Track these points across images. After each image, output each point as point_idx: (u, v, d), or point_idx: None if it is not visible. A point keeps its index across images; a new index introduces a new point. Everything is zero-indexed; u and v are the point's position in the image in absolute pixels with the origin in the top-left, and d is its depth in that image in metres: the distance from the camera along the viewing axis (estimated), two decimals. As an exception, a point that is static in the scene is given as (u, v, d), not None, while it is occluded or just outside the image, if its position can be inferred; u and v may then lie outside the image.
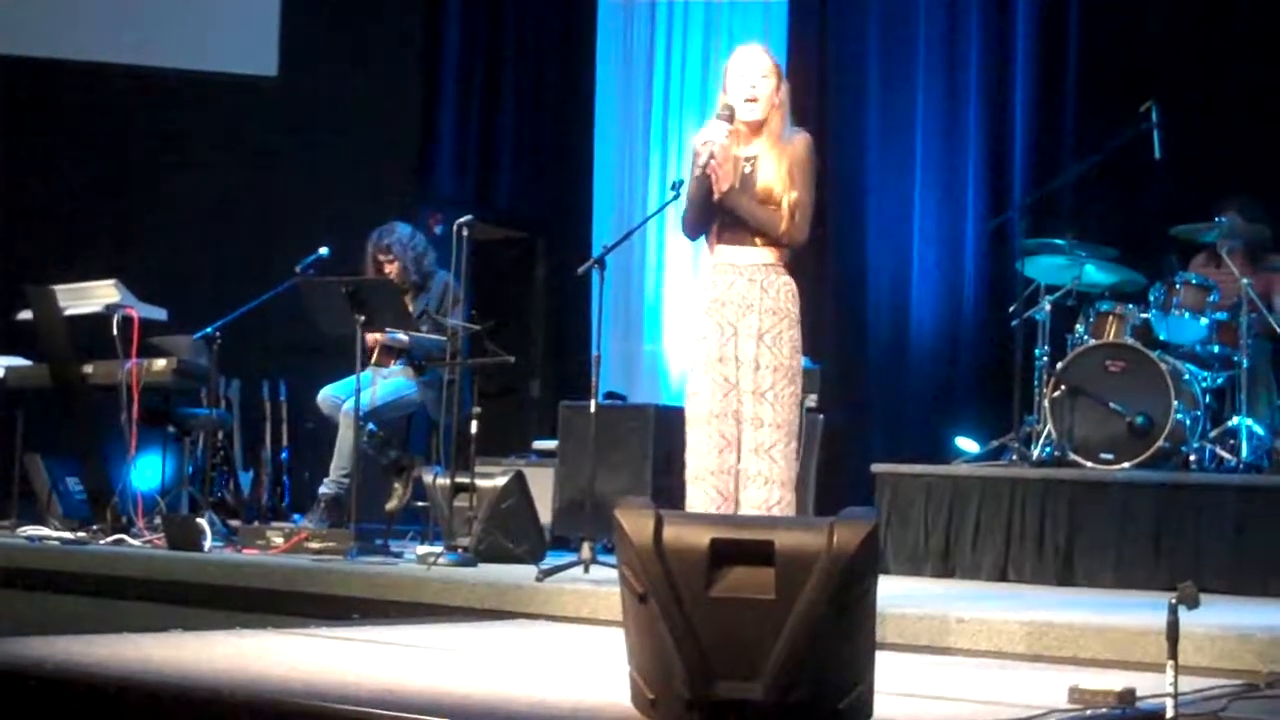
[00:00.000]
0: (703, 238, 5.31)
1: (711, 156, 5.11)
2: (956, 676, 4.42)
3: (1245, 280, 7.32)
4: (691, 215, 5.24)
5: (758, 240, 5.18)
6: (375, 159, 10.38)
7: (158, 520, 7.46)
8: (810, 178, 5.20)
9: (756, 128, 5.22)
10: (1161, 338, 7.42)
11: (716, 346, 5.18)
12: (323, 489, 7.53)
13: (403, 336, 7.61)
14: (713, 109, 5.31)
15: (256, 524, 7.86)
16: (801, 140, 5.22)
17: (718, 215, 5.21)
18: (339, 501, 7.43)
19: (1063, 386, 7.20)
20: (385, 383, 7.67)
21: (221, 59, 10.22)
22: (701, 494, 5.12)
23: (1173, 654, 3.52)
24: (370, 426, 7.56)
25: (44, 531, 7.65)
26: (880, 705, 3.42)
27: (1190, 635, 4.31)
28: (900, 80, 9.67)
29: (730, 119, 5.18)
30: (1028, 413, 7.60)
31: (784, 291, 5.19)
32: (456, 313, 7.49)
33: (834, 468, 7.90)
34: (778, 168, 5.16)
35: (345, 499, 7.39)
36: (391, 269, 7.78)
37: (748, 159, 5.21)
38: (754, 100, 5.18)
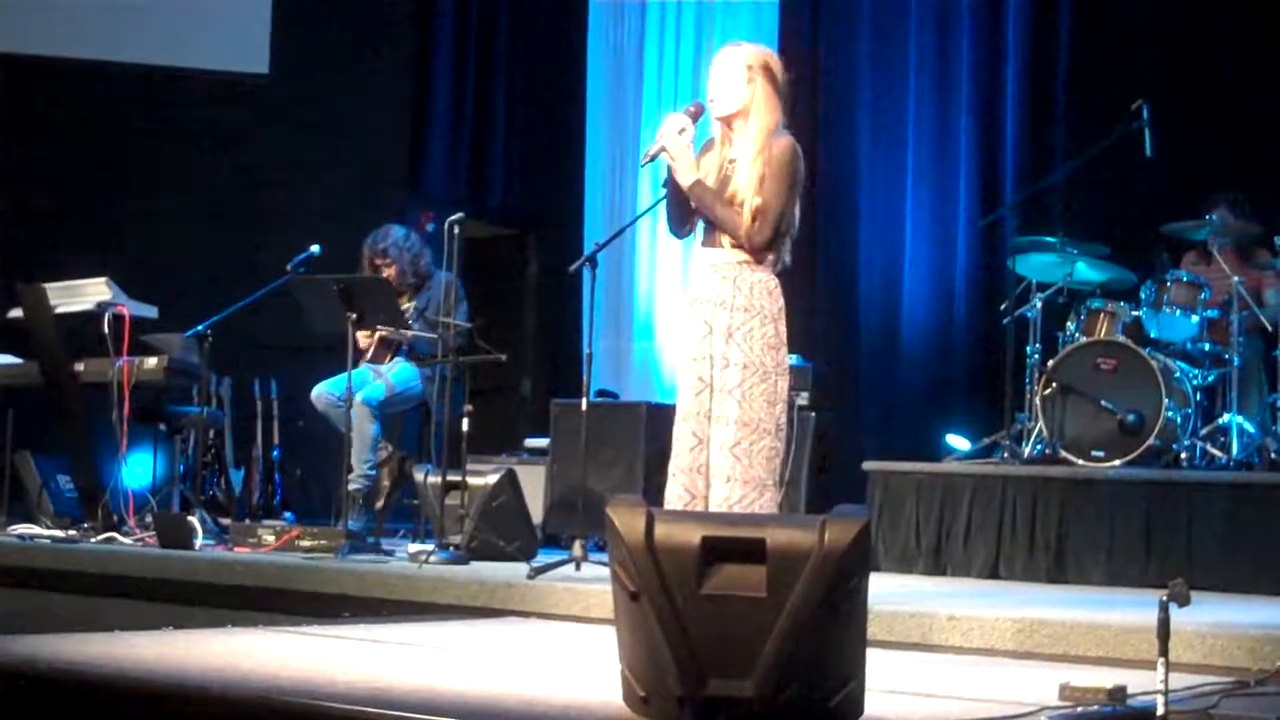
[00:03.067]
0: (693, 237, 5.34)
1: (663, 149, 5.15)
2: (947, 674, 4.43)
3: (1236, 278, 7.34)
4: (669, 211, 5.29)
5: (726, 241, 5.19)
6: (367, 157, 10.39)
7: (149, 518, 7.45)
8: (783, 183, 5.15)
9: (730, 122, 5.24)
10: (1152, 335, 7.43)
11: (694, 345, 5.20)
12: (353, 485, 7.49)
13: (405, 331, 7.63)
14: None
15: (248, 522, 7.85)
16: (781, 145, 5.19)
17: (692, 213, 5.24)
18: (371, 495, 7.47)
19: (1054, 384, 7.21)
20: (394, 374, 7.69)
21: (213, 57, 10.21)
22: (673, 491, 5.15)
23: (1163, 651, 3.52)
24: (376, 430, 7.57)
25: (35, 530, 7.64)
26: (871, 703, 3.42)
27: (1181, 632, 4.32)
28: (891, 78, 9.69)
29: (694, 115, 5.22)
30: (1019, 410, 7.60)
31: (757, 288, 5.17)
32: (459, 312, 7.50)
33: (825, 465, 7.90)
34: (751, 171, 5.15)
35: (375, 491, 7.49)
36: (389, 272, 7.79)
37: (731, 160, 5.23)
38: (713, 100, 5.22)
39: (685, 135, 5.19)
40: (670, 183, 5.23)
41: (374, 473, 7.55)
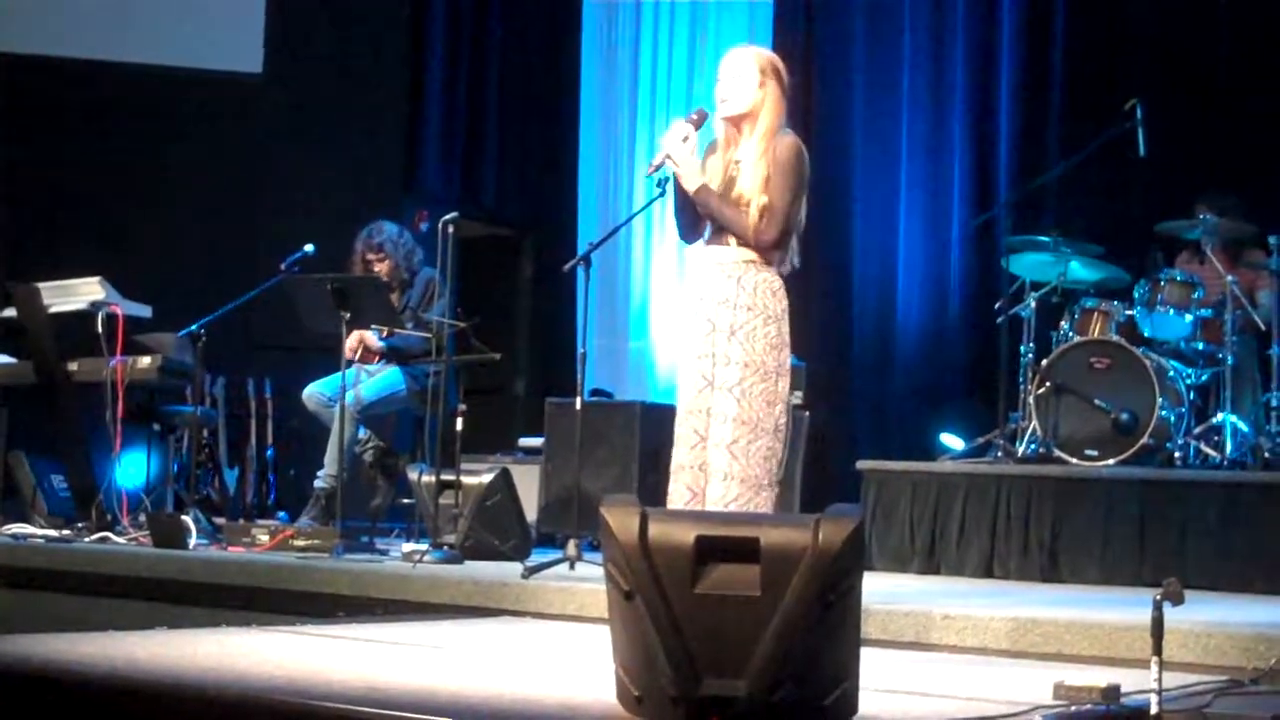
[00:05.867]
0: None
1: (668, 157, 5.17)
2: (941, 673, 4.43)
3: (1230, 277, 7.34)
4: (677, 217, 5.30)
5: (732, 240, 5.20)
6: (361, 156, 10.38)
7: (143, 518, 7.45)
8: (788, 182, 5.17)
9: (738, 124, 5.24)
10: (1146, 334, 7.44)
11: (697, 342, 5.21)
12: (318, 483, 7.51)
13: (376, 343, 7.63)
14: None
15: (242, 521, 7.85)
16: (785, 144, 5.20)
17: (701, 218, 5.25)
18: (335, 495, 7.47)
19: (1048, 383, 7.22)
20: (376, 378, 7.68)
21: (207, 56, 10.20)
22: (675, 488, 5.15)
23: (1157, 650, 3.53)
24: (361, 431, 7.59)
25: (29, 529, 7.63)
26: (865, 702, 3.42)
27: (1175, 631, 4.32)
28: (886, 78, 9.69)
29: (698, 122, 5.23)
30: (1013, 410, 7.60)
31: (761, 287, 5.18)
32: (437, 307, 7.49)
33: (819, 465, 7.91)
34: (755, 171, 5.17)
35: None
36: (382, 268, 7.79)
37: (736, 161, 5.24)
38: (724, 100, 5.22)
39: (689, 142, 5.21)
40: (677, 190, 5.24)
41: (337, 474, 7.47)
